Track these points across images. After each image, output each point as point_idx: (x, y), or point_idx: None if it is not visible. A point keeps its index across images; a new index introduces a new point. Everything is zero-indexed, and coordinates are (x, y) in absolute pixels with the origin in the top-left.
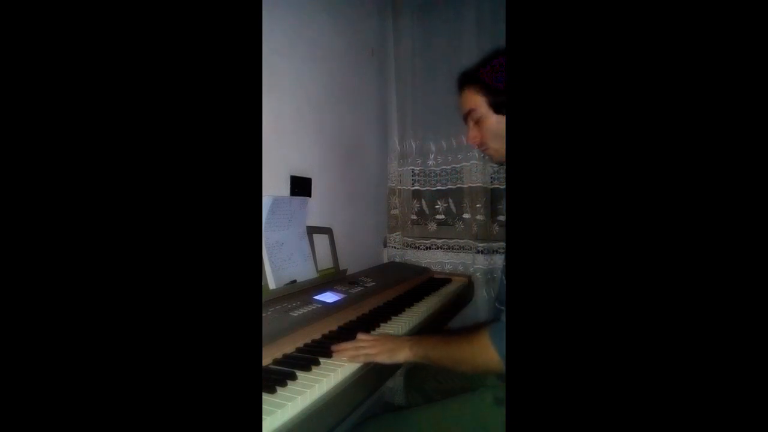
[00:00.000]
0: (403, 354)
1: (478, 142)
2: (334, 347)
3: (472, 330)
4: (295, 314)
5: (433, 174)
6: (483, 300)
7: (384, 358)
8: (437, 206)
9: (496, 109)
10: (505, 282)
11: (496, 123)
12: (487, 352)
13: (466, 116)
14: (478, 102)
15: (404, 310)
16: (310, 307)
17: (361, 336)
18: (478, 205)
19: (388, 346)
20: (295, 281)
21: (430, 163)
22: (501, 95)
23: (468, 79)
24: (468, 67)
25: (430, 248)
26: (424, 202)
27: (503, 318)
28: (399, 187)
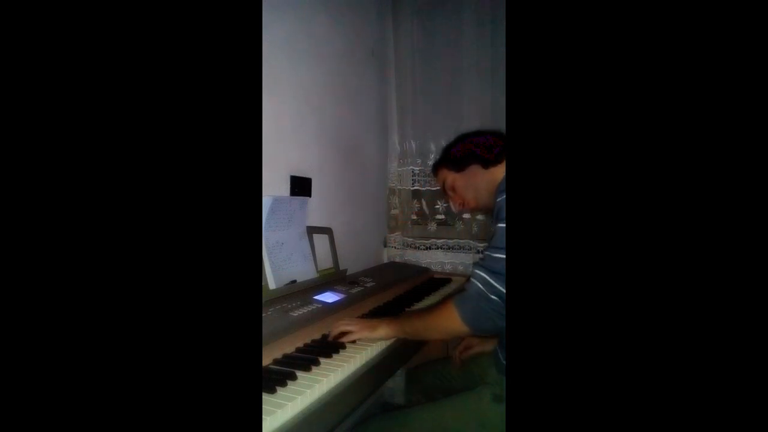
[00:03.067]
0: (382, 329)
1: (460, 203)
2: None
3: (442, 302)
4: (295, 314)
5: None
6: None
7: (366, 333)
8: (437, 206)
9: (457, 168)
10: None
11: (462, 179)
12: (452, 319)
13: (444, 191)
14: (445, 174)
15: (404, 311)
16: (310, 307)
17: (345, 319)
18: None
19: (368, 323)
20: (295, 281)
21: (430, 163)
22: (456, 158)
23: (435, 166)
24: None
25: (430, 248)
26: (424, 202)
27: (467, 287)
28: (399, 187)
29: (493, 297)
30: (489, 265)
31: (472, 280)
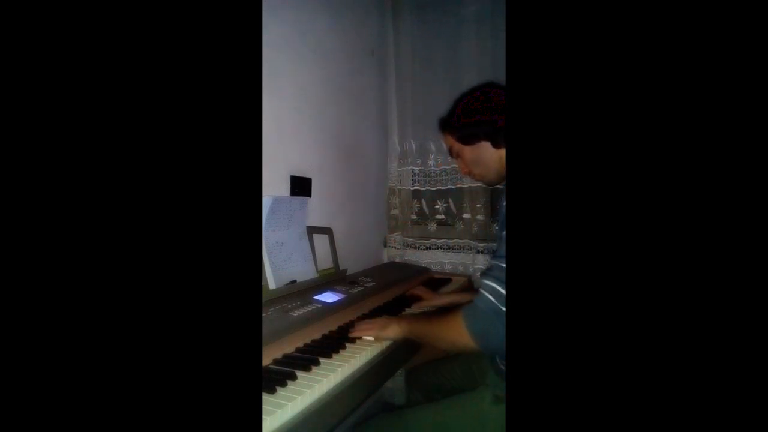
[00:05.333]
0: (392, 329)
1: (466, 172)
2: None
3: (450, 311)
4: (295, 314)
5: (433, 174)
6: None
7: (377, 332)
8: (437, 206)
9: (465, 141)
10: (497, 230)
11: (469, 153)
12: (460, 333)
13: (451, 153)
14: (450, 141)
15: (404, 310)
16: (310, 307)
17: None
18: (478, 205)
19: (380, 323)
20: (295, 281)
21: (430, 163)
22: (464, 129)
23: (442, 125)
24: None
25: (430, 248)
26: (424, 202)
27: (476, 299)
28: (399, 187)
29: (504, 310)
30: (498, 275)
31: (482, 291)
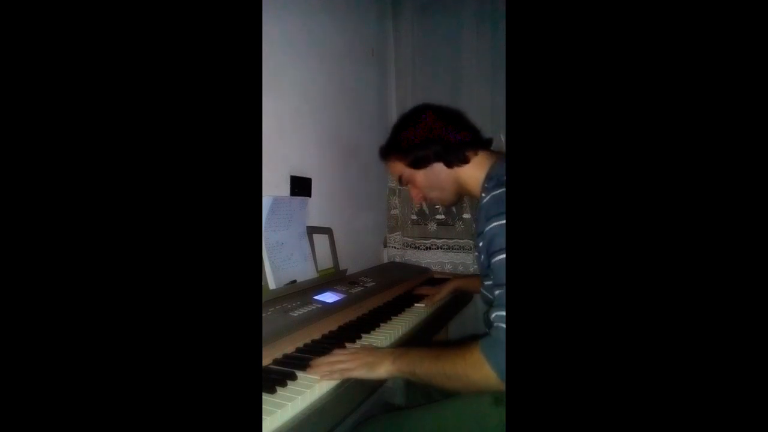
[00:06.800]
0: (384, 368)
1: (420, 198)
2: (311, 362)
3: (463, 344)
4: (295, 314)
5: None
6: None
7: (362, 373)
8: (437, 206)
9: (416, 165)
10: (482, 258)
11: (422, 177)
12: (482, 369)
13: (400, 182)
14: (399, 168)
15: (404, 310)
16: (310, 307)
17: (337, 351)
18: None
19: (367, 359)
20: (295, 281)
21: None
22: (413, 151)
23: (385, 153)
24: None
25: (430, 248)
26: (424, 202)
27: (494, 333)
28: (399, 187)
29: None
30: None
31: (496, 324)
